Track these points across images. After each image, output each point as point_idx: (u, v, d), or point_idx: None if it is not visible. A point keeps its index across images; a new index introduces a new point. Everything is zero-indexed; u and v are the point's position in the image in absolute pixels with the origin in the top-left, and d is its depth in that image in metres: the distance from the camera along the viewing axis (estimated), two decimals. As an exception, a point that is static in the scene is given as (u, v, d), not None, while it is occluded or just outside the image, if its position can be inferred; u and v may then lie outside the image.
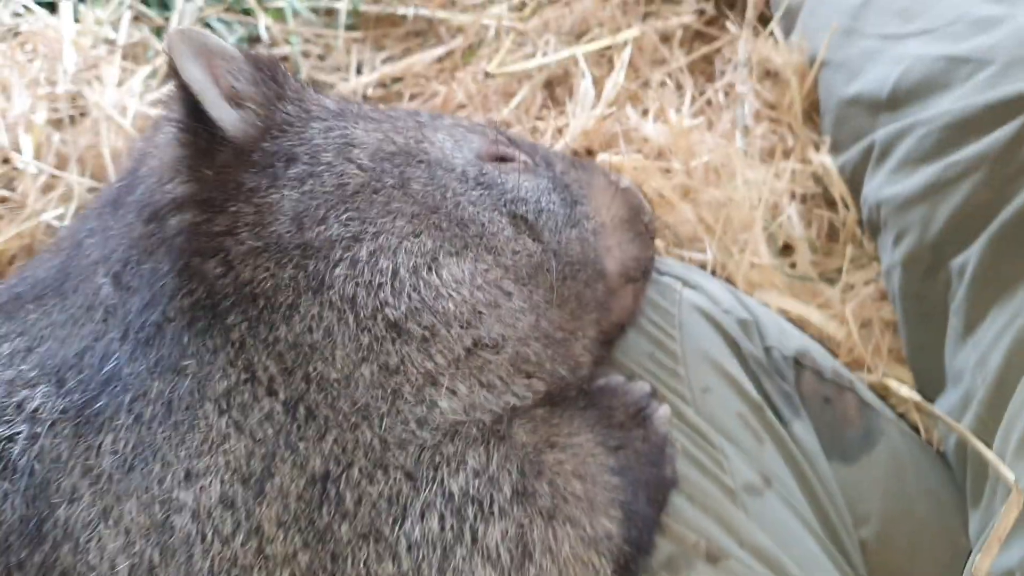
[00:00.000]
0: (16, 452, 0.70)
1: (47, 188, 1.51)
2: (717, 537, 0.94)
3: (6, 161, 1.52)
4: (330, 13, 2.00)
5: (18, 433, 0.71)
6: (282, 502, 0.71)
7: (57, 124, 1.62)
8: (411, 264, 0.80)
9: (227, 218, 0.80)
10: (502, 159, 0.97)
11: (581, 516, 0.81)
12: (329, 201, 0.81)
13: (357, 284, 0.78)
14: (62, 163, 1.55)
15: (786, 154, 1.39)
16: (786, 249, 1.39)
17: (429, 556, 0.72)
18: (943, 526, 1.08)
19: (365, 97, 1.84)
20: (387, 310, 0.78)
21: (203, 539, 0.69)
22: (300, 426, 0.73)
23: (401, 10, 1.95)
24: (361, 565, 0.71)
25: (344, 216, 0.81)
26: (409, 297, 0.79)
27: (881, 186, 1.22)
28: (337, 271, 0.78)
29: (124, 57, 1.77)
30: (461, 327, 0.80)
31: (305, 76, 1.86)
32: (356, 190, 0.83)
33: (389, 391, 0.76)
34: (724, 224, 1.31)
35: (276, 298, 0.77)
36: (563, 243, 0.92)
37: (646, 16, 1.80)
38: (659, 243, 1.36)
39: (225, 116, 0.83)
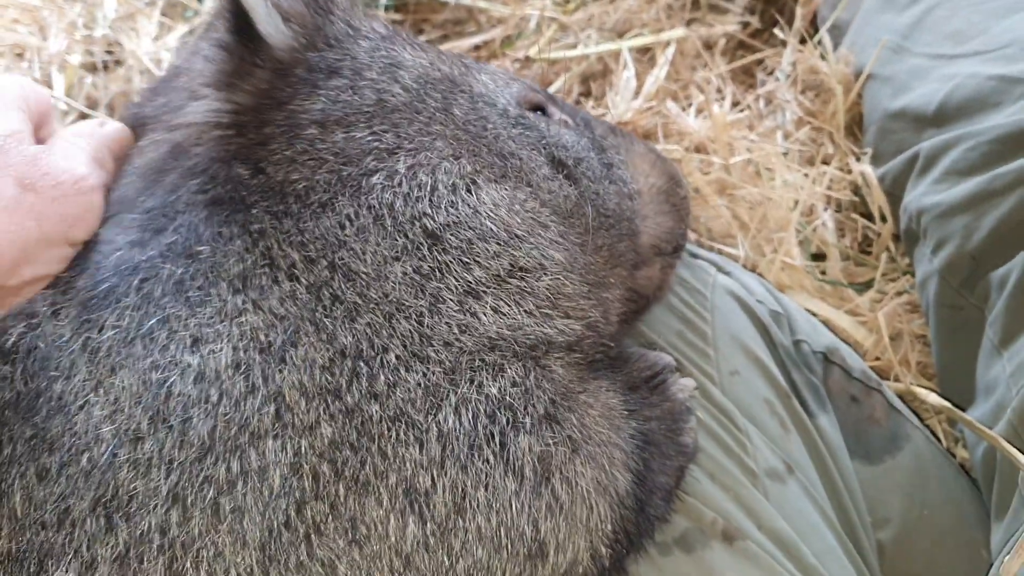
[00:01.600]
0: (15, 336, 0.69)
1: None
2: (735, 517, 0.91)
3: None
4: (372, -5, 2.00)
5: (20, 322, 0.70)
6: (307, 371, 0.69)
7: (91, 68, 1.61)
8: (450, 182, 0.79)
9: (259, 129, 0.79)
10: (541, 109, 0.95)
11: (602, 459, 0.79)
12: (365, 113, 0.81)
13: (395, 193, 0.77)
14: (91, 105, 1.54)
15: (825, 161, 1.37)
16: (817, 256, 1.37)
17: (456, 450, 0.71)
18: (964, 537, 1.05)
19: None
20: (425, 220, 0.77)
21: (206, 400, 0.66)
22: (326, 306, 0.72)
23: (443, -4, 1.94)
24: (388, 445, 0.69)
25: (379, 128, 0.80)
26: (447, 211, 0.78)
27: (924, 195, 1.20)
28: (374, 179, 0.78)
29: (163, 13, 1.75)
30: (499, 245, 0.79)
31: None
32: (397, 107, 0.82)
33: (428, 293, 0.75)
34: (759, 222, 1.29)
35: (308, 197, 0.76)
36: (600, 194, 0.91)
37: (690, 22, 1.80)
38: (692, 236, 1.34)
39: (273, 30, 0.82)
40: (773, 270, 1.28)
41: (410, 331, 0.73)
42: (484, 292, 0.77)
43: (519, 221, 0.81)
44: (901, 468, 1.06)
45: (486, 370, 0.75)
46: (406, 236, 0.76)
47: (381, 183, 0.77)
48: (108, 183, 0.80)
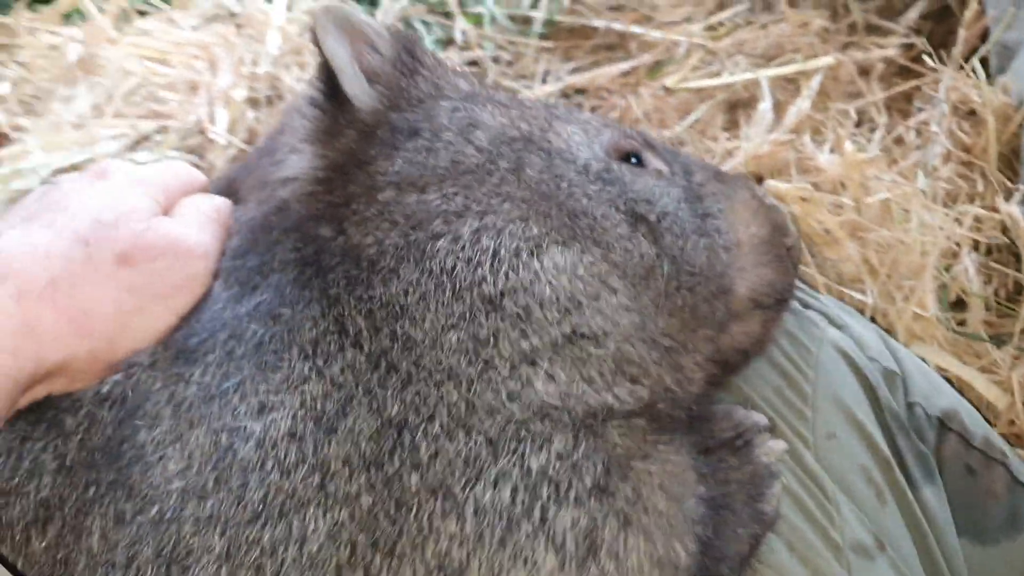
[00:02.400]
0: (112, 383, 0.74)
1: (234, 160, 1.61)
2: (811, 593, 0.86)
3: (202, 132, 1.63)
4: (527, 21, 2.03)
5: (122, 369, 0.75)
6: (352, 442, 0.71)
7: (254, 103, 1.73)
8: (514, 246, 0.79)
9: (344, 188, 0.83)
10: (634, 158, 0.94)
11: (656, 532, 0.77)
12: (439, 175, 0.82)
13: (457, 258, 0.78)
14: (251, 139, 1.66)
15: (970, 198, 1.27)
16: (959, 304, 1.27)
17: (494, 524, 0.71)
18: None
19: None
20: (484, 286, 0.78)
21: (262, 467, 0.70)
22: (381, 377, 0.74)
23: (595, 22, 1.94)
24: (425, 518, 0.70)
25: (450, 191, 0.81)
26: (507, 276, 0.78)
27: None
28: (439, 244, 0.79)
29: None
30: (558, 312, 0.78)
31: (492, 80, 1.90)
32: (469, 169, 0.83)
33: (480, 360, 0.76)
34: (890, 267, 1.21)
35: (379, 262, 0.79)
36: (685, 250, 0.88)
37: (846, 46, 1.71)
38: (819, 279, 1.28)
39: (359, 91, 0.86)
40: (904, 320, 1.20)
41: (456, 399, 0.74)
42: (539, 359, 0.77)
43: (583, 287, 0.80)
44: (1018, 551, 0.97)
45: (531, 440, 0.74)
46: (464, 302, 0.77)
47: (446, 247, 0.79)
48: (222, 246, 0.83)
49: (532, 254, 0.80)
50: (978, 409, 1.11)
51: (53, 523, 0.70)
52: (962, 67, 1.47)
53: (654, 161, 0.96)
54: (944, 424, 1.03)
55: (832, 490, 0.93)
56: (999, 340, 1.19)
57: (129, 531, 0.69)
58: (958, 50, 1.49)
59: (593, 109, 1.83)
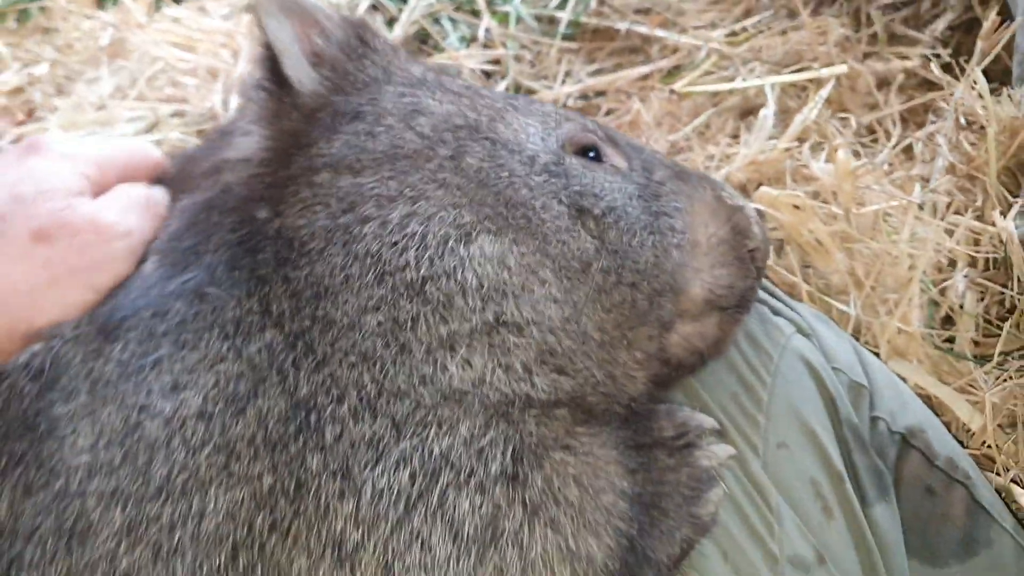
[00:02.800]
0: (32, 354, 0.75)
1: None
2: (740, 604, 0.84)
3: (214, 117, 1.66)
4: (552, 21, 2.02)
5: (45, 340, 0.76)
6: (260, 423, 0.72)
7: (270, 90, 1.75)
8: (442, 233, 0.79)
9: (285, 171, 0.83)
10: (592, 152, 0.92)
11: (566, 524, 0.76)
12: (375, 159, 0.82)
13: (383, 242, 0.78)
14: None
15: (959, 212, 1.23)
16: (949, 320, 1.22)
17: (390, 507, 0.71)
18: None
19: (564, 106, 1.83)
20: (407, 271, 0.78)
21: (168, 446, 0.70)
22: (297, 358, 0.74)
23: (619, 24, 1.93)
24: (322, 498, 0.70)
25: (386, 175, 0.81)
26: (431, 262, 0.78)
27: (1060, 261, 1.04)
28: (367, 227, 0.79)
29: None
30: (481, 300, 0.78)
31: (512, 80, 1.90)
32: (407, 155, 0.83)
33: (397, 343, 0.76)
34: (876, 280, 1.18)
35: (308, 243, 0.79)
36: (631, 247, 0.87)
37: (867, 56, 1.67)
38: (804, 288, 1.24)
39: (301, 75, 0.86)
40: (887, 334, 1.16)
41: (367, 382, 0.74)
42: (457, 345, 0.77)
43: (509, 276, 0.80)
44: (971, 576, 0.93)
45: (437, 425, 0.74)
46: (386, 286, 0.77)
47: (373, 231, 0.79)
48: (150, 229, 0.84)
49: (460, 241, 0.79)
50: (952, 430, 1.07)
51: None
52: (972, 79, 1.42)
53: (613, 156, 0.95)
54: (907, 441, 1.00)
55: (776, 501, 0.91)
56: (983, 360, 1.14)
57: (34, 502, 0.70)
58: (975, 61, 1.44)
59: (610, 111, 1.81)
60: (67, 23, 1.99)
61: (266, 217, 0.81)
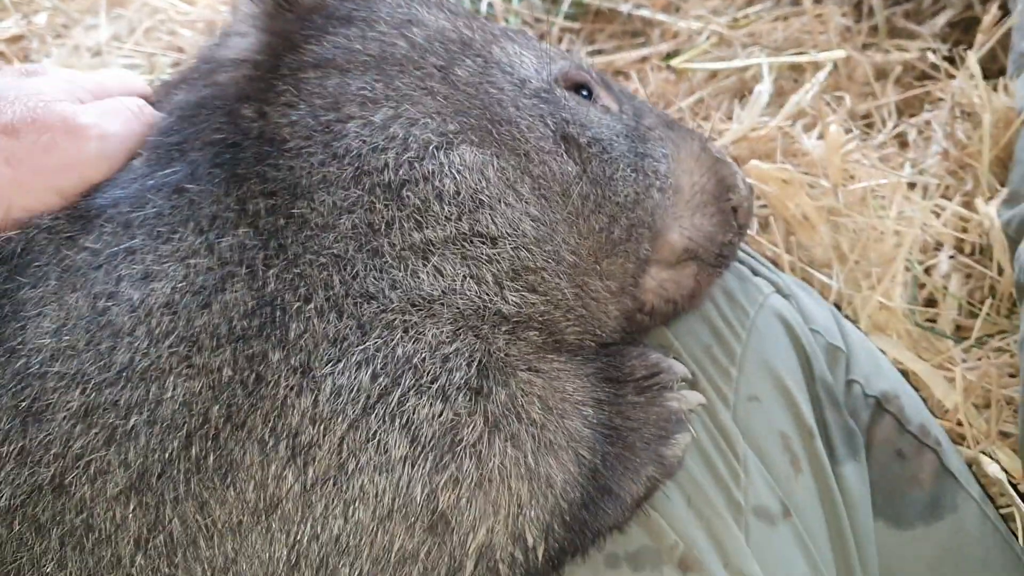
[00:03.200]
0: (4, 239, 0.74)
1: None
2: (700, 548, 0.83)
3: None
4: (556, 1, 2.02)
5: (22, 228, 0.75)
6: (224, 317, 0.71)
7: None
8: (424, 137, 0.79)
9: (274, 70, 0.82)
10: (584, 91, 0.92)
11: (527, 441, 0.75)
12: (363, 62, 0.82)
13: (364, 142, 0.78)
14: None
15: (948, 194, 1.22)
16: (933, 301, 1.22)
17: (347, 405, 0.70)
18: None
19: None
20: (387, 172, 0.77)
21: (132, 333, 0.69)
22: (267, 256, 0.73)
23: (622, 6, 1.93)
24: (280, 393, 0.69)
25: (373, 78, 0.81)
26: (410, 166, 0.77)
27: (1035, 245, 1.04)
28: (349, 126, 0.78)
29: None
30: (457, 208, 0.77)
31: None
32: (396, 61, 0.83)
33: (370, 247, 0.75)
34: (860, 254, 1.17)
35: (288, 142, 0.78)
36: (613, 179, 0.86)
37: (867, 47, 1.67)
38: (786, 259, 1.24)
39: None
40: (867, 309, 1.16)
41: (336, 282, 0.73)
42: (430, 252, 0.76)
43: (487, 187, 0.79)
44: (933, 540, 0.92)
45: (403, 329, 0.73)
46: (363, 187, 0.76)
47: (354, 131, 0.78)
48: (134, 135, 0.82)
49: (441, 148, 0.79)
50: (930, 407, 1.06)
51: None
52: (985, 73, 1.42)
53: (605, 98, 0.95)
54: (881, 405, 0.99)
55: (743, 451, 0.90)
56: (961, 339, 1.14)
57: None
58: (973, 55, 1.44)
59: (608, 91, 1.81)
60: (69, -28, 1.98)
61: (251, 116, 0.80)
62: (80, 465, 0.67)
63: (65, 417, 0.67)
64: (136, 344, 0.69)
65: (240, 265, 0.72)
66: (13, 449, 0.67)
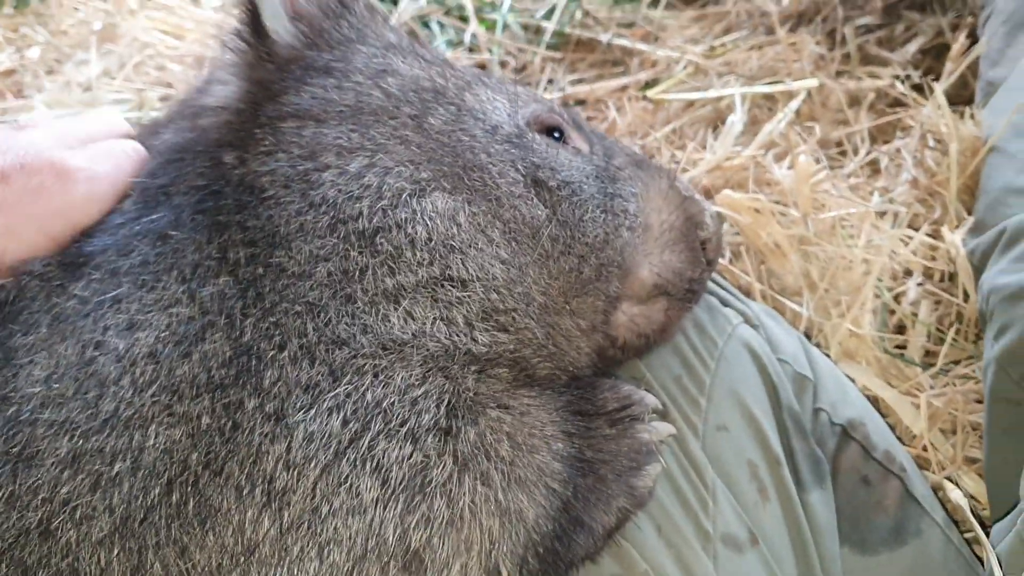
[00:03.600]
0: (4, 287, 0.77)
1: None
2: (669, 576, 0.85)
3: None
4: (538, 31, 2.06)
5: (17, 275, 0.77)
6: (204, 366, 0.73)
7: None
8: (397, 186, 0.81)
9: (255, 119, 0.85)
10: (556, 134, 0.95)
11: (496, 478, 0.77)
12: (340, 112, 0.85)
13: (339, 191, 0.80)
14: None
15: (915, 225, 1.25)
16: (903, 328, 1.25)
17: (319, 451, 0.72)
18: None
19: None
20: (361, 220, 0.79)
21: (118, 382, 0.72)
22: (245, 305, 0.76)
23: (602, 36, 1.97)
24: (255, 439, 0.72)
25: (348, 128, 0.83)
26: (384, 213, 0.80)
27: (998, 273, 1.07)
28: (325, 175, 0.81)
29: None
30: (428, 254, 0.80)
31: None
32: (372, 111, 0.85)
33: (343, 294, 0.77)
34: (829, 282, 1.20)
35: (267, 190, 0.81)
36: (583, 221, 0.89)
37: (840, 74, 1.71)
38: (756, 287, 1.27)
39: (279, 27, 0.89)
40: (838, 336, 1.19)
41: (309, 329, 0.76)
42: (401, 297, 0.79)
43: (458, 233, 0.82)
44: (897, 565, 0.95)
45: (373, 373, 0.76)
46: (339, 235, 0.79)
47: (330, 179, 0.81)
48: (124, 176, 0.84)
49: (414, 196, 0.81)
50: (897, 433, 1.09)
51: None
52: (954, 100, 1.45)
53: (576, 139, 0.98)
54: (847, 432, 1.02)
55: (712, 480, 0.93)
56: (928, 366, 1.17)
57: None
58: (941, 85, 1.48)
59: (589, 119, 1.85)
60: (61, 8, 2.01)
61: (232, 163, 0.83)
62: (67, 510, 0.69)
63: (54, 463, 0.70)
64: (121, 393, 0.72)
65: (220, 315, 0.75)
66: (3, 494, 0.70)
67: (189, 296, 0.75)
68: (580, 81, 1.95)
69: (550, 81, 1.97)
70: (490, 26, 2.08)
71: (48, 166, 0.78)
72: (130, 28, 1.87)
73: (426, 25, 2.11)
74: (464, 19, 2.10)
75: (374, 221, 0.80)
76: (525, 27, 2.08)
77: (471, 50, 2.02)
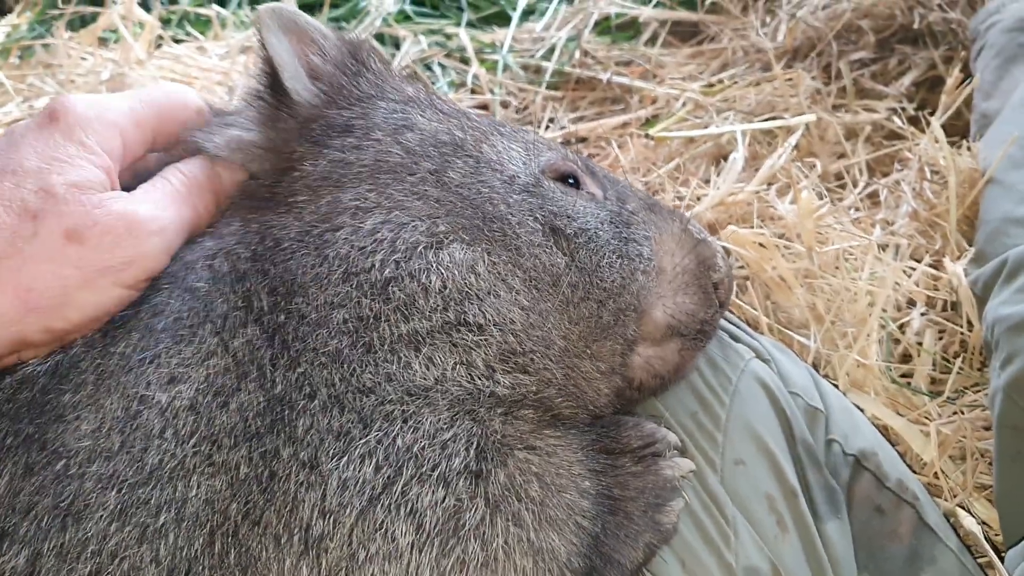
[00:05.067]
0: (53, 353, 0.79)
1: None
2: (696, 609, 0.87)
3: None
4: (538, 71, 2.11)
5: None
6: (241, 416, 0.75)
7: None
8: (412, 239, 0.84)
9: (276, 179, 0.88)
10: (571, 180, 0.98)
11: (528, 519, 0.79)
12: (357, 174, 0.87)
13: (352, 246, 0.83)
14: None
15: (917, 258, 1.29)
16: (908, 357, 1.28)
17: (354, 497, 0.74)
18: None
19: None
20: (374, 272, 0.82)
21: (162, 435, 0.74)
22: (274, 354, 0.78)
23: (602, 75, 2.01)
24: (291, 489, 0.74)
25: (366, 189, 0.86)
26: (396, 265, 0.82)
27: (1002, 303, 1.10)
28: (339, 234, 0.83)
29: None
30: (443, 301, 0.82)
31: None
32: (391, 168, 0.88)
33: (363, 343, 0.80)
34: (835, 315, 1.23)
35: (284, 244, 0.83)
36: (600, 267, 0.91)
37: (836, 108, 1.75)
38: (763, 321, 1.30)
39: (299, 87, 0.91)
40: (845, 367, 1.21)
41: (337, 379, 0.78)
42: (420, 343, 0.81)
43: (475, 281, 0.84)
44: (915, 592, 0.97)
45: (402, 419, 0.78)
46: (351, 285, 0.81)
47: (344, 237, 0.83)
48: (195, 219, 0.86)
49: (430, 248, 0.84)
50: (907, 461, 1.12)
51: None
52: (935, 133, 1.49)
53: (590, 185, 1.00)
54: (859, 463, 1.04)
55: (732, 514, 0.95)
56: (936, 394, 1.19)
57: (35, 481, 0.73)
58: (937, 117, 1.52)
59: (591, 156, 1.88)
60: (69, 59, 2.05)
61: (251, 217, 0.85)
62: (115, 562, 0.71)
63: (102, 516, 0.72)
64: (165, 446, 0.74)
65: (251, 364, 0.78)
66: (54, 546, 0.72)
67: (223, 347, 0.78)
68: (581, 119, 1.99)
69: (551, 120, 2.01)
70: (491, 67, 2.12)
71: (121, 222, 0.78)
72: (139, 77, 1.91)
73: (428, 68, 2.16)
74: (465, 61, 2.14)
75: (386, 272, 0.82)
76: (525, 67, 2.12)
77: (473, 91, 2.07)
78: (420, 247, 0.83)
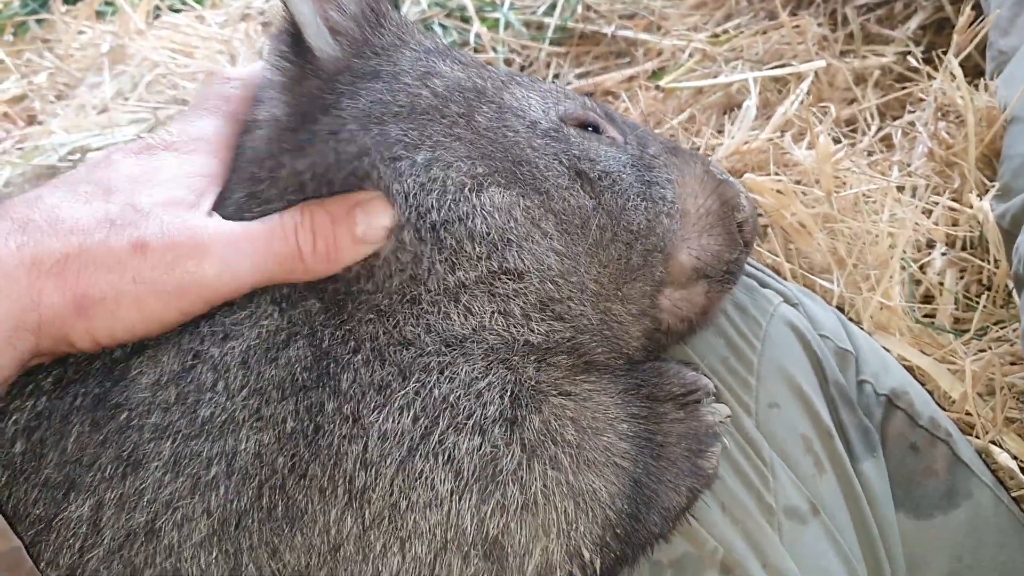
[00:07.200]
0: None
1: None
2: (738, 550, 0.88)
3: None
4: (540, 27, 2.09)
5: None
6: (289, 370, 0.77)
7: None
8: (459, 179, 0.84)
9: (306, 131, 0.88)
10: (590, 127, 0.98)
11: (565, 462, 0.80)
12: (395, 112, 0.87)
13: (415, 180, 0.83)
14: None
15: (937, 192, 1.29)
16: (930, 297, 1.28)
17: (394, 448, 0.75)
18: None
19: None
20: (432, 213, 0.82)
21: (214, 388, 0.76)
22: (327, 317, 0.79)
23: (605, 28, 1.99)
24: (335, 441, 0.75)
25: (407, 126, 0.86)
26: (449, 208, 0.82)
27: (1034, 236, 1.10)
28: (401, 164, 0.83)
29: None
30: (487, 247, 0.83)
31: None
32: (424, 110, 0.88)
33: (408, 297, 0.80)
34: (857, 258, 1.24)
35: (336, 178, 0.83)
36: (625, 209, 0.92)
37: (844, 54, 1.74)
38: (787, 267, 1.30)
39: (322, 43, 0.91)
40: (869, 309, 1.22)
41: (380, 333, 0.79)
42: (462, 293, 0.82)
43: (514, 227, 0.84)
44: (951, 527, 0.98)
45: (438, 370, 0.79)
46: (413, 226, 0.81)
47: (404, 169, 0.83)
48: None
49: (474, 190, 0.84)
50: (936, 399, 1.12)
51: (39, 430, 0.76)
52: (950, 71, 1.49)
53: (610, 131, 1.00)
54: (891, 402, 1.05)
55: (769, 456, 0.96)
56: (961, 332, 1.20)
57: (99, 435, 0.75)
58: (952, 54, 1.51)
59: (598, 112, 1.87)
60: (67, 34, 2.03)
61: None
62: (169, 511, 0.73)
63: (157, 467, 0.74)
64: (216, 399, 0.75)
65: (303, 326, 0.79)
66: (115, 495, 0.73)
67: (279, 310, 0.79)
68: (586, 74, 1.98)
69: (556, 76, 1.99)
70: (492, 25, 2.11)
71: (188, 238, 0.76)
72: (139, 48, 1.89)
73: (429, 27, 2.14)
74: (466, 20, 2.13)
75: (440, 214, 0.82)
76: (527, 24, 2.11)
77: (476, 50, 2.05)
78: (466, 188, 0.83)
